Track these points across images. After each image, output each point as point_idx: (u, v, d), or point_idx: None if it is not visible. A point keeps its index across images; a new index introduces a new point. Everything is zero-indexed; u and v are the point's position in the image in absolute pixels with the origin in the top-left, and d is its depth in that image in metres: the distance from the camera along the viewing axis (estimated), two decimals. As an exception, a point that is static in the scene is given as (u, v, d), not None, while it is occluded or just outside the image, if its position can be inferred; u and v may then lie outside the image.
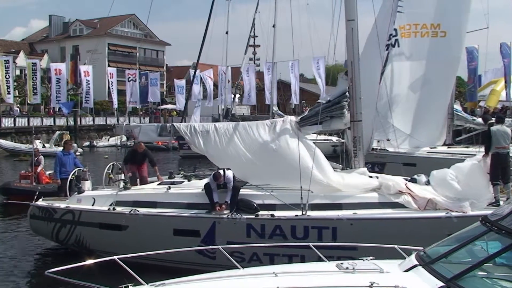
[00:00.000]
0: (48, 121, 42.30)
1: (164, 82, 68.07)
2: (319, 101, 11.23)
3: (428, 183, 9.72)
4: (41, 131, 39.64)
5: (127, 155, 12.49)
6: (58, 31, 70.08)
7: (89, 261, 5.63)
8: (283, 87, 47.00)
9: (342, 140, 18.93)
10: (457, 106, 21.86)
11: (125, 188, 10.57)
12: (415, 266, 4.97)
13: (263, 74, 46.75)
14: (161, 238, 9.25)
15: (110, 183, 11.65)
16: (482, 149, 13.45)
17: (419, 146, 17.30)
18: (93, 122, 47.00)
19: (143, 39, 70.98)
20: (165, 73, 71.17)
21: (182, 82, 48.24)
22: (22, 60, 53.01)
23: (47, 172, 17.77)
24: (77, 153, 24.64)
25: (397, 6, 16.55)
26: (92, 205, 10.30)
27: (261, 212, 9.24)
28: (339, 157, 12.53)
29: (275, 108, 33.90)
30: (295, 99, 46.13)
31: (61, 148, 18.58)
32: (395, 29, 16.98)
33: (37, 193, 11.36)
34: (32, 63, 41.43)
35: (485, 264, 4.65)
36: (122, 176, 11.60)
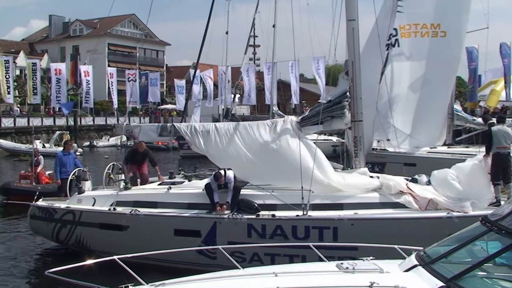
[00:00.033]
0: (48, 121, 42.30)
1: (164, 82, 68.08)
2: (319, 101, 11.23)
3: (429, 183, 9.72)
4: (41, 131, 39.65)
5: (127, 155, 12.48)
6: (58, 31, 70.09)
7: (89, 261, 5.63)
8: (283, 87, 46.98)
9: (342, 140, 18.95)
10: (457, 106, 21.86)
11: (126, 188, 10.57)
12: (415, 266, 4.97)
13: (263, 74, 46.74)
14: (161, 238, 9.25)
15: (110, 183, 11.64)
16: (482, 149, 13.46)
17: (419, 146, 17.31)
18: (93, 122, 47.00)
19: (143, 39, 70.97)
20: (165, 73, 71.17)
21: (182, 82, 48.23)
22: (22, 60, 53.01)
23: (47, 172, 17.77)
24: (77, 153, 24.64)
25: (397, 6, 16.54)
26: (93, 205, 10.30)
27: (262, 212, 9.24)
28: (339, 157, 12.52)
29: (275, 108, 33.90)
30: (295, 99, 46.13)
31: (61, 148, 18.60)
32: (395, 29, 16.98)
33: (37, 193, 11.34)
34: (32, 63, 41.43)
35: (485, 264, 4.65)
36: (123, 176, 11.59)
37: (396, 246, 5.84)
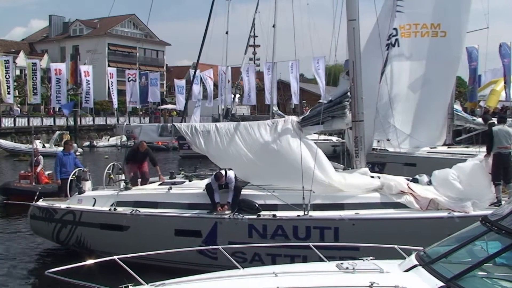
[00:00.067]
0: (48, 121, 42.32)
1: (164, 82, 68.09)
2: (320, 101, 11.23)
3: (430, 183, 9.71)
4: (41, 131, 39.68)
5: (128, 154, 12.46)
6: (58, 31, 70.10)
7: (89, 261, 5.63)
8: (283, 87, 47.00)
9: (342, 140, 18.95)
10: (457, 106, 21.86)
11: (126, 188, 10.56)
12: (415, 266, 4.97)
13: (263, 74, 46.74)
14: (162, 239, 9.25)
15: (111, 183, 11.64)
16: (482, 149, 13.47)
17: (419, 146, 17.31)
18: (93, 122, 47.02)
19: (143, 39, 71.00)
20: (165, 73, 71.19)
21: (182, 82, 48.22)
22: (22, 60, 53.03)
23: (46, 172, 17.77)
24: (77, 153, 24.64)
25: (396, 6, 16.55)
26: (93, 206, 10.29)
27: (262, 213, 9.23)
28: (339, 157, 12.52)
29: (275, 108, 33.90)
30: (295, 99, 46.13)
31: (61, 148, 18.58)
32: (395, 29, 16.98)
33: (37, 193, 11.34)
34: (32, 63, 41.42)
35: (485, 264, 4.65)
36: (123, 176, 11.59)
37: (396, 246, 5.84)
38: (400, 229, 8.52)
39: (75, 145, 28.84)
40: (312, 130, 10.77)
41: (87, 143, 41.59)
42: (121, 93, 50.21)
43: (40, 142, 33.79)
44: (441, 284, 4.46)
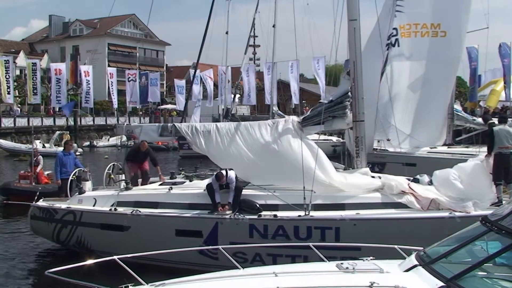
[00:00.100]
0: (48, 121, 42.31)
1: (164, 82, 68.09)
2: (321, 101, 11.22)
3: (430, 183, 9.70)
4: (41, 131, 39.68)
5: (129, 153, 12.45)
6: (58, 31, 70.10)
7: (89, 261, 5.63)
8: (283, 87, 46.99)
9: (342, 140, 18.95)
10: (457, 106, 21.86)
11: (127, 188, 10.56)
12: (415, 266, 4.97)
13: (263, 74, 46.73)
14: (163, 239, 9.24)
15: (111, 183, 11.64)
16: (482, 149, 13.47)
17: (419, 146, 17.31)
18: (93, 122, 47.01)
19: (143, 39, 71.01)
20: (165, 73, 71.20)
21: (182, 82, 48.21)
22: (22, 60, 53.03)
23: (46, 172, 17.77)
24: (77, 153, 24.64)
25: (395, 6, 16.55)
26: (93, 206, 10.29)
27: (263, 213, 9.22)
28: (339, 157, 12.51)
29: (275, 108, 33.91)
30: (295, 99, 46.12)
31: (61, 148, 18.57)
32: (395, 29, 16.98)
33: (38, 193, 11.34)
34: (32, 63, 41.44)
35: (485, 264, 4.65)
36: (123, 177, 11.59)
37: (396, 246, 5.85)
38: (401, 229, 8.52)
39: (75, 145, 28.85)
40: (313, 130, 10.76)
41: (87, 143, 41.58)
42: (121, 93, 50.21)
43: (40, 142, 33.81)
44: (441, 284, 4.46)
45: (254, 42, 53.16)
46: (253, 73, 45.81)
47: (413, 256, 5.20)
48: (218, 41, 28.99)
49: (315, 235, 8.83)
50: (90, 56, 49.64)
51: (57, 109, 45.96)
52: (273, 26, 28.69)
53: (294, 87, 44.89)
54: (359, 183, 9.67)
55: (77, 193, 10.84)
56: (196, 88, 41.22)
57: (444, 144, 18.61)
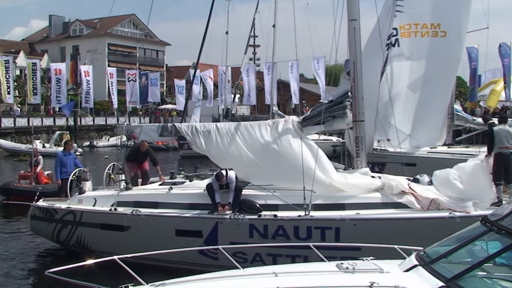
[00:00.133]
0: (48, 121, 42.31)
1: (164, 82, 68.10)
2: (321, 101, 11.22)
3: (430, 183, 9.70)
4: (41, 131, 39.69)
5: (129, 152, 12.45)
6: (58, 31, 70.12)
7: (89, 261, 5.63)
8: (283, 87, 46.99)
9: (342, 140, 18.95)
10: (457, 106, 21.85)
11: (127, 188, 10.56)
12: (415, 266, 4.97)
13: (263, 74, 46.73)
14: (163, 239, 9.23)
15: (111, 183, 11.64)
16: (482, 149, 13.46)
17: (419, 146, 17.31)
18: (93, 122, 47.02)
19: (143, 39, 71.02)
20: (165, 73, 71.21)
21: (182, 82, 48.22)
22: (22, 60, 53.03)
23: (46, 172, 17.76)
24: (77, 153, 24.64)
25: (395, 5, 16.55)
26: (93, 206, 10.29)
27: (263, 213, 9.21)
28: (339, 157, 12.50)
29: (275, 108, 33.92)
30: (295, 99, 46.12)
31: (61, 148, 18.55)
32: (395, 29, 16.98)
33: (38, 193, 11.33)
34: (32, 63, 41.45)
35: (485, 264, 4.65)
36: (123, 177, 11.59)
37: (396, 246, 5.85)
38: (401, 229, 8.52)
39: (75, 145, 28.86)
40: (313, 130, 10.76)
41: (87, 143, 41.59)
42: (121, 93, 50.22)
43: (40, 142, 33.81)
44: (441, 284, 4.46)
45: (254, 42, 53.18)
46: (253, 73, 45.81)
47: (413, 256, 5.20)
48: (218, 41, 29.03)
49: (315, 235, 8.83)
50: (90, 56, 49.63)
51: (57, 109, 45.97)
52: (273, 26, 28.72)
53: (294, 87, 44.88)
54: (359, 183, 9.67)
55: (77, 193, 10.83)
56: (196, 88, 41.22)
57: (444, 144, 18.61)
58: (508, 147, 10.19)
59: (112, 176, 11.79)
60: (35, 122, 39.42)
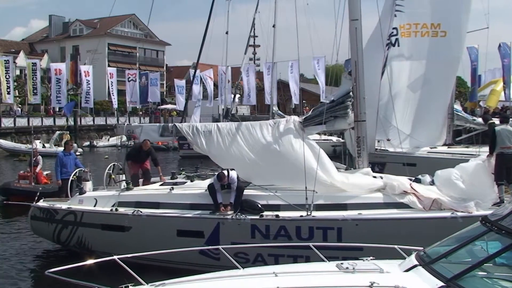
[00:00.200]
0: (48, 121, 42.32)
1: (164, 82, 68.10)
2: (322, 101, 11.21)
3: (432, 183, 9.69)
4: (41, 131, 39.70)
5: (131, 151, 12.42)
6: (58, 31, 70.11)
7: (89, 261, 5.64)
8: (283, 87, 47.01)
9: (342, 140, 18.94)
10: (457, 106, 21.85)
11: (127, 188, 10.54)
12: (415, 266, 4.98)
13: (263, 74, 46.73)
14: (164, 239, 9.21)
15: (111, 183, 11.64)
16: (482, 149, 13.46)
17: (419, 146, 17.30)
18: (93, 122, 47.03)
19: (143, 39, 71.00)
20: (165, 73, 71.20)
21: (182, 82, 48.22)
22: (22, 60, 53.04)
23: (45, 172, 17.75)
24: (77, 153, 24.63)
25: (394, 5, 16.55)
26: (94, 206, 10.27)
27: (265, 213, 9.20)
28: (339, 157, 12.50)
29: (275, 108, 33.94)
30: (294, 99, 46.12)
31: (61, 148, 18.54)
32: (395, 28, 16.97)
33: (38, 193, 11.33)
34: (32, 63, 41.46)
35: (485, 264, 4.66)
36: (124, 177, 11.58)
37: (396, 246, 5.85)
38: (403, 230, 8.51)
39: (75, 145, 28.86)
40: (314, 130, 10.75)
41: (87, 143, 41.59)
42: (121, 93, 50.23)
43: (40, 142, 33.79)
44: (441, 284, 4.47)
45: (254, 42, 53.19)
46: (253, 73, 45.81)
47: (413, 256, 5.20)
48: (218, 41, 29.06)
49: (317, 236, 8.81)
50: (90, 56, 49.63)
51: (57, 109, 45.97)
52: (273, 26, 28.77)
53: (294, 87, 44.89)
54: (361, 183, 9.65)
55: (78, 193, 10.82)
56: (196, 88, 41.24)
57: (444, 144, 18.61)
58: (510, 147, 10.17)
59: (113, 176, 11.79)
60: (35, 122, 39.44)
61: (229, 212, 9.31)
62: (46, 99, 48.34)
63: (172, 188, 10.13)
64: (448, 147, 18.39)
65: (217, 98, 44.56)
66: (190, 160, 21.62)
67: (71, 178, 11.69)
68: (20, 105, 46.34)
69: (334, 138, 29.25)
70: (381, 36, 12.46)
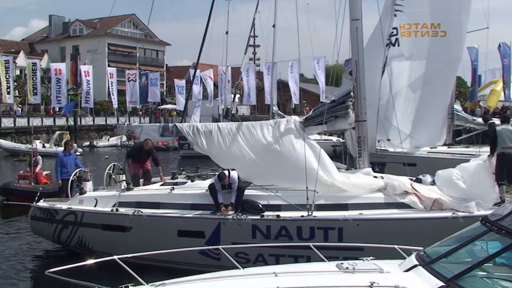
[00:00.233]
0: (48, 121, 42.32)
1: (164, 82, 68.09)
2: (323, 101, 11.22)
3: (433, 183, 9.69)
4: (41, 131, 39.70)
5: (131, 150, 12.39)
6: (58, 31, 70.11)
7: (89, 261, 5.64)
8: (283, 87, 47.02)
9: (342, 140, 18.94)
10: (457, 106, 21.85)
11: (128, 189, 10.53)
12: (415, 266, 4.98)
13: (263, 74, 46.75)
14: (165, 239, 9.19)
15: (111, 183, 11.63)
16: (482, 149, 13.45)
17: (419, 146, 17.30)
18: (93, 122, 47.03)
19: (143, 39, 70.98)
20: (165, 73, 71.19)
21: (182, 82, 48.23)
22: (22, 60, 53.04)
23: (44, 172, 17.74)
24: (77, 153, 24.63)
25: (395, 5, 16.55)
26: (95, 206, 10.26)
27: (266, 213, 9.19)
28: (339, 157, 12.49)
29: (275, 108, 33.95)
30: (294, 99, 46.13)
31: (61, 148, 18.52)
32: (395, 28, 16.97)
33: (38, 194, 11.32)
34: (32, 63, 41.46)
35: (485, 264, 4.66)
36: (124, 177, 11.57)
37: (396, 246, 5.85)
38: (404, 230, 8.50)
39: (75, 145, 28.83)
40: (315, 130, 10.74)
41: (87, 143, 41.59)
42: (121, 93, 50.23)
43: (40, 142, 33.79)
44: (441, 284, 4.47)
45: (254, 42, 53.19)
46: (253, 73, 45.81)
47: (413, 256, 5.21)
48: (218, 41, 29.10)
49: (318, 236, 8.80)
50: (90, 56, 49.62)
51: (57, 109, 45.96)
52: (273, 26, 28.79)
53: (294, 87, 44.90)
54: (362, 183, 9.65)
55: (78, 193, 10.81)
56: (196, 88, 41.25)
57: (444, 144, 18.61)
58: (510, 147, 10.18)
59: (113, 176, 11.78)
60: (35, 122, 39.44)
61: (230, 212, 9.30)
62: (46, 99, 48.34)
63: (173, 188, 10.12)
64: (448, 147, 18.39)
65: (217, 98, 44.57)
66: (190, 160, 21.64)
67: (71, 178, 11.68)
68: (20, 105, 46.34)
69: (334, 138, 29.26)
70: (382, 36, 12.43)
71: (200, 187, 10.17)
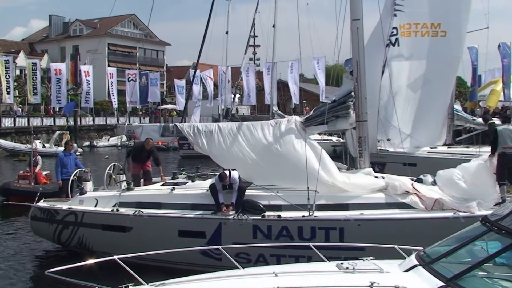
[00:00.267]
0: (48, 121, 42.31)
1: (164, 82, 68.08)
2: (323, 101, 11.23)
3: (434, 183, 9.69)
4: (41, 131, 39.70)
5: (132, 149, 12.36)
6: (58, 31, 70.11)
7: (89, 261, 5.64)
8: (283, 87, 47.03)
9: (342, 140, 18.94)
10: (457, 106, 21.86)
11: (128, 189, 10.52)
12: (415, 266, 4.98)
13: (263, 74, 46.76)
14: (166, 240, 9.17)
15: (112, 183, 11.62)
16: (482, 149, 13.45)
17: (419, 146, 17.31)
18: (93, 122, 47.02)
19: (143, 39, 70.98)
20: (165, 73, 71.19)
21: (182, 82, 48.24)
22: (22, 60, 53.04)
23: (44, 172, 17.74)
24: (77, 153, 24.62)
25: (395, 5, 16.55)
26: (95, 206, 10.26)
27: (267, 213, 9.18)
28: (340, 157, 12.49)
29: (275, 108, 33.96)
30: (294, 99, 46.13)
31: (61, 148, 18.50)
32: (395, 28, 16.98)
33: (38, 194, 11.31)
34: (32, 63, 41.48)
35: (485, 264, 4.66)
36: (124, 177, 11.56)
37: (396, 246, 5.85)
38: (405, 230, 8.50)
39: (75, 145, 28.81)
40: (316, 130, 10.72)
41: (87, 143, 41.59)
42: (121, 93, 50.23)
43: (40, 142, 33.78)
44: (441, 284, 4.47)
45: (254, 42, 53.19)
46: (253, 73, 45.83)
47: (413, 256, 5.21)
48: (218, 41, 29.13)
49: (319, 236, 8.79)
50: (90, 56, 49.62)
51: (57, 109, 45.96)
52: (273, 26, 28.81)
53: (294, 87, 44.91)
54: (363, 183, 9.64)
55: (78, 193, 10.80)
56: (196, 88, 41.26)
57: (444, 144, 18.61)
58: (511, 147, 10.18)
59: (113, 176, 11.77)
60: (35, 122, 39.47)
61: (231, 213, 9.29)
62: (46, 99, 48.35)
63: (173, 188, 10.11)
64: (448, 147, 18.39)
65: (217, 98, 44.58)
66: (191, 160, 21.64)
67: (71, 178, 11.68)
68: (20, 105, 46.35)
69: (334, 138, 29.26)
70: (382, 36, 12.42)
71: (200, 187, 10.16)
